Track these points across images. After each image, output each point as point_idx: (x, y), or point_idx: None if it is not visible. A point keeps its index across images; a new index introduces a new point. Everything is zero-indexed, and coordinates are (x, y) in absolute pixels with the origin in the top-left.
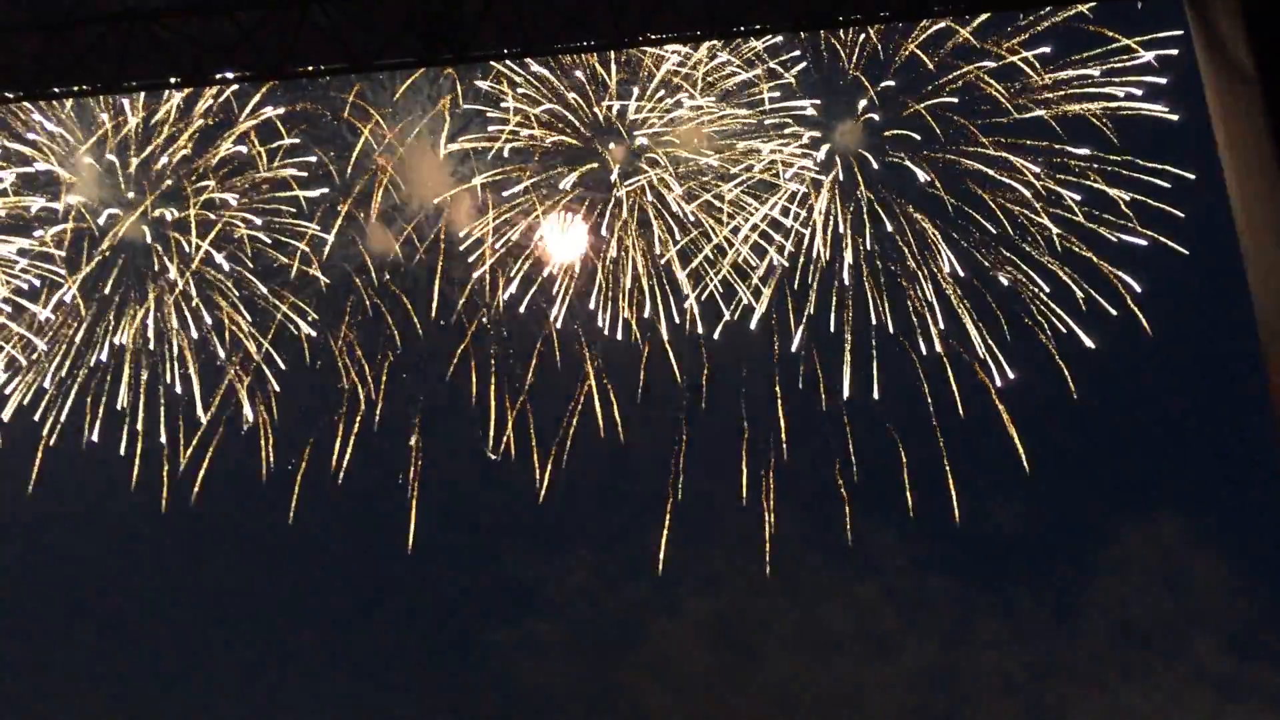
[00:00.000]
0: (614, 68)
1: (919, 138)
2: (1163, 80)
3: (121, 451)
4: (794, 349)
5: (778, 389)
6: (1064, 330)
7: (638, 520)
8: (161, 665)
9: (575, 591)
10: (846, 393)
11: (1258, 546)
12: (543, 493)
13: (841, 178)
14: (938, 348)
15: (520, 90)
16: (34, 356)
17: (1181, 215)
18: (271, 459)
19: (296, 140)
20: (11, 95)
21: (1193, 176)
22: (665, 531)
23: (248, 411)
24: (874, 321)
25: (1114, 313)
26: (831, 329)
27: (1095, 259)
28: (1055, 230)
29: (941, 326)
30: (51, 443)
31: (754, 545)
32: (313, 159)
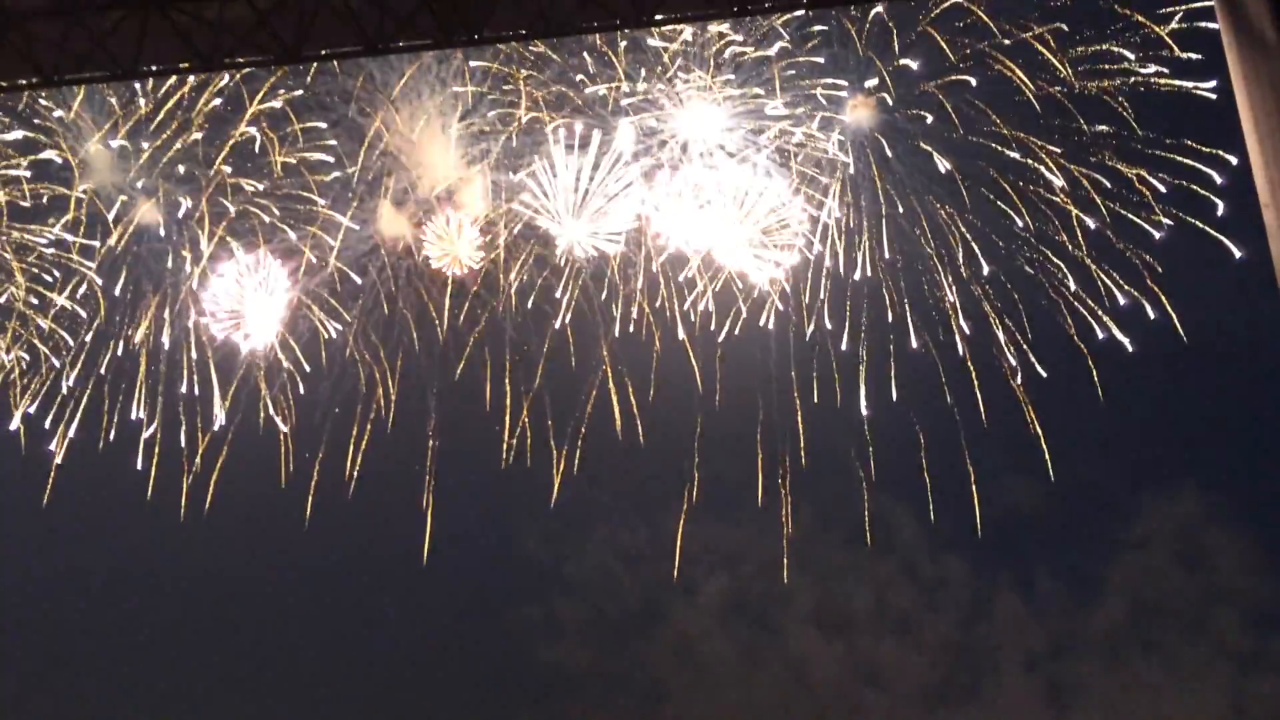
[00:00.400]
0: (622, 46)
1: (929, 118)
2: (1197, 56)
3: (139, 465)
4: (807, 338)
5: (793, 374)
6: (1083, 311)
7: (657, 503)
8: (189, 656)
9: (595, 572)
10: (864, 391)
11: (1278, 522)
12: (558, 480)
13: (852, 169)
14: (955, 334)
15: (527, 72)
16: (52, 345)
17: (1208, 195)
18: (291, 451)
19: (310, 125)
20: (29, 81)
21: (1222, 154)
22: (685, 511)
23: (269, 409)
24: (890, 312)
25: (1138, 297)
26: (846, 318)
27: (1114, 237)
28: (1076, 212)
29: (959, 311)
30: (65, 447)
31: (772, 526)
32: (328, 143)
